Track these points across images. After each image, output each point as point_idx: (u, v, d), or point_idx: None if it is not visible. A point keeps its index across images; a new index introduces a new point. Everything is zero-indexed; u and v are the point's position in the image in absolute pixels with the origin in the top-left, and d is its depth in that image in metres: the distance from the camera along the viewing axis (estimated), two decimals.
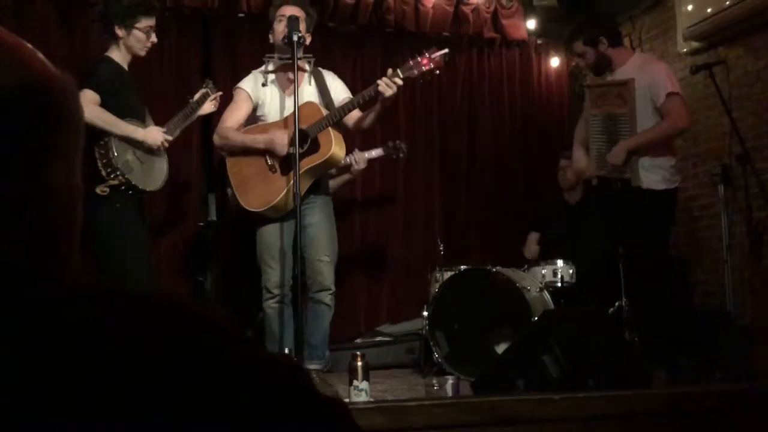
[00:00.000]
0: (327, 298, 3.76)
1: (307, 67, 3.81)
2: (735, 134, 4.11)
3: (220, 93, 4.02)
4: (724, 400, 2.74)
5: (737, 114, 4.48)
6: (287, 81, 3.80)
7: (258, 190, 3.72)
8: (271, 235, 3.78)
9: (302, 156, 3.58)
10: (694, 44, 5.19)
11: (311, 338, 3.79)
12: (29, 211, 0.64)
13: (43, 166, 0.65)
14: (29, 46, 0.68)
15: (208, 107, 3.96)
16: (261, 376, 0.61)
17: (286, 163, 3.61)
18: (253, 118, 3.90)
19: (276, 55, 3.78)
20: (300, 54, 3.61)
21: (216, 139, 3.89)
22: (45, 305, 0.59)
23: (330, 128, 3.63)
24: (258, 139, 3.71)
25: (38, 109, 0.65)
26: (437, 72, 3.62)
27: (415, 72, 3.54)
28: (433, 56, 3.55)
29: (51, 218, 0.66)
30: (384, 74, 3.61)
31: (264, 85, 3.81)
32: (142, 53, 3.67)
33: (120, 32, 3.59)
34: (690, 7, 5.11)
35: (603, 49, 4.08)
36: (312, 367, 3.70)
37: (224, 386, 0.58)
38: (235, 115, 3.82)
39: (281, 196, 3.67)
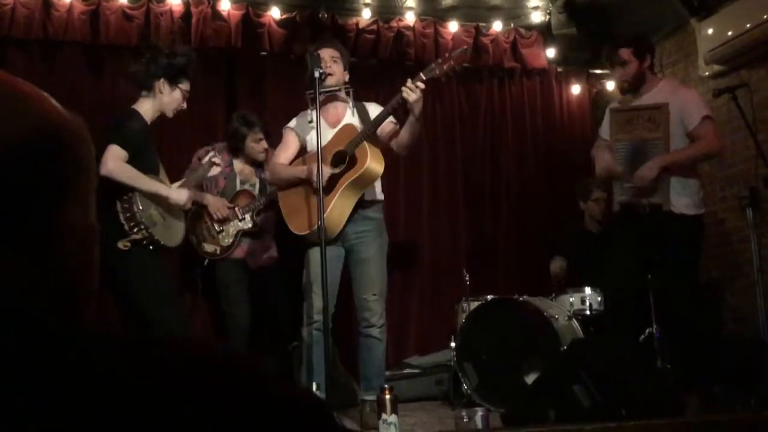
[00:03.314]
0: (376, 332, 3.80)
1: (346, 96, 3.92)
2: (761, 157, 4.07)
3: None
4: (760, 428, 2.69)
5: (762, 136, 4.44)
6: (332, 115, 3.89)
7: (304, 214, 3.81)
8: (319, 262, 3.79)
9: (340, 174, 3.70)
10: (716, 67, 5.17)
11: (366, 371, 3.83)
12: (47, 252, 0.66)
13: (59, 207, 0.67)
14: (42, 92, 0.70)
15: (215, 170, 4.28)
16: (285, 415, 0.62)
17: (328, 185, 3.67)
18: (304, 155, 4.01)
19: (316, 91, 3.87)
20: (340, 87, 3.86)
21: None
22: (64, 347, 0.60)
23: (366, 143, 3.71)
24: (298, 171, 3.83)
25: (52, 153, 0.67)
26: (458, 69, 3.67)
27: (437, 71, 3.59)
28: (453, 54, 3.60)
29: (68, 259, 0.68)
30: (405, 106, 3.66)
31: (311, 122, 3.89)
32: (171, 115, 3.68)
33: (162, 88, 3.59)
34: (710, 31, 5.10)
35: (645, 66, 4.08)
36: (368, 398, 3.73)
37: (250, 426, 0.59)
38: (284, 152, 3.96)
39: (324, 216, 3.69)
